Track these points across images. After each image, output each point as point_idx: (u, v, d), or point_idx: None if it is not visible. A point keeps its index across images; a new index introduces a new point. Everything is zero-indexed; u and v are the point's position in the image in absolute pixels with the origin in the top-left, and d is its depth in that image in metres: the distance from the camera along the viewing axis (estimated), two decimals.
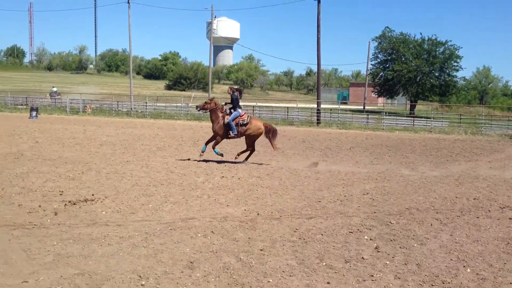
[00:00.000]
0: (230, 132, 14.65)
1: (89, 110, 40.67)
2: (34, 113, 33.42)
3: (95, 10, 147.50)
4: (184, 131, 26.60)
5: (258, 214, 8.89)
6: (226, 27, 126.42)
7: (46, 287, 5.50)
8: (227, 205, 9.47)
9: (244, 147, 15.31)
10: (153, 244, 6.99)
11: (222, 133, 14.77)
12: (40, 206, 8.88)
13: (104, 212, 8.68)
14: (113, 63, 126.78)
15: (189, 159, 15.28)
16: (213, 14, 48.32)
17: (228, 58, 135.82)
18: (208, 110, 15.10)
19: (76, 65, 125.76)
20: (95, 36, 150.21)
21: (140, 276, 5.83)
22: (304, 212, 9.13)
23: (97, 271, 5.96)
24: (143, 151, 17.07)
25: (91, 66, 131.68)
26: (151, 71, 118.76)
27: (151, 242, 7.10)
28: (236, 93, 14.89)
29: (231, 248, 6.96)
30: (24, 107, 42.35)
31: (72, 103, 42.67)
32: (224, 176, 12.52)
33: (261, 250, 6.91)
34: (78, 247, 6.79)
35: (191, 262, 6.33)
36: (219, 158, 15.02)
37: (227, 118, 14.62)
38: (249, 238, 7.44)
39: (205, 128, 29.26)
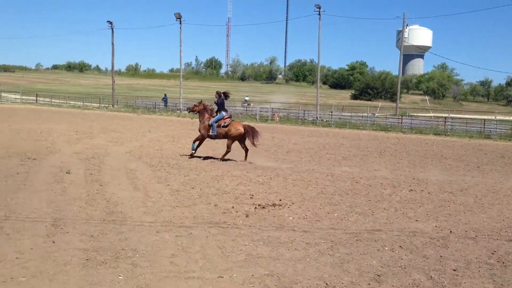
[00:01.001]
0: (210, 130, 15.92)
1: (277, 118, 42.34)
2: None
3: (287, 23, 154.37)
4: (370, 141, 26.16)
5: (450, 231, 8.32)
6: (418, 35, 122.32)
7: (239, 283, 5.81)
8: (416, 220, 9.05)
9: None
10: (339, 253, 6.96)
11: (204, 132, 16.13)
12: (233, 207, 9.47)
13: (291, 218, 8.92)
14: (301, 73, 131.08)
15: (376, 170, 15.00)
16: (405, 23, 46.59)
17: (418, 67, 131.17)
18: (196, 112, 16.52)
19: (266, 75, 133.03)
20: (285, 47, 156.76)
21: (326, 284, 5.85)
22: (504, 234, 8.31)
23: (285, 274, 6.12)
24: (328, 160, 17.20)
25: (279, 76, 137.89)
26: (337, 81, 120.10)
27: (337, 251, 7.08)
28: (222, 98, 16.08)
29: (420, 265, 6.61)
30: None
31: (261, 111, 44.95)
32: (413, 189, 12.00)
33: (454, 270, 6.45)
34: (267, 249, 7.07)
35: (378, 275, 6.16)
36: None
37: (211, 120, 15.96)
38: (440, 256, 7.00)
39: (392, 139, 28.51)
